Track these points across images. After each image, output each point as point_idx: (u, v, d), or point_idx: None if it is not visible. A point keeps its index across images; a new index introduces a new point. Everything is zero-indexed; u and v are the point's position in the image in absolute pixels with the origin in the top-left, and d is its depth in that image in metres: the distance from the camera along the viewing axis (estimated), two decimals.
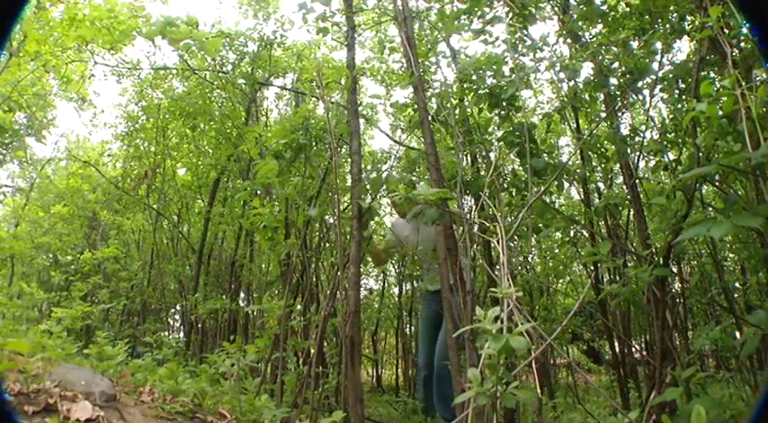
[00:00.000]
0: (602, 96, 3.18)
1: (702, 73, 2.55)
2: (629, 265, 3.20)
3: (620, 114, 3.25)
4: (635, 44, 2.92)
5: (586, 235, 4.18)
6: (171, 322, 8.68)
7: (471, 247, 2.52)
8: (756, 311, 2.61)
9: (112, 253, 6.92)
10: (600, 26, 3.16)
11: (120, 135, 7.91)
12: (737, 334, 3.23)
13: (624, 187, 3.48)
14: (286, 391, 3.06)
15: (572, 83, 3.07)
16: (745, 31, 2.32)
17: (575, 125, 4.29)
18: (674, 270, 3.52)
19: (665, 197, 2.29)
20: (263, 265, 7.27)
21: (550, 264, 5.94)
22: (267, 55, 5.98)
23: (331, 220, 4.37)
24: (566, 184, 3.23)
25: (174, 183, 7.59)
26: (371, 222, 3.22)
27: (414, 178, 4.09)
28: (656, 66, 2.75)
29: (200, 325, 6.80)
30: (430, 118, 3.09)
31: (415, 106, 3.17)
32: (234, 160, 6.19)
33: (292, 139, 2.90)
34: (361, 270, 2.92)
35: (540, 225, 2.91)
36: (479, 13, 3.23)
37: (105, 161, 8.81)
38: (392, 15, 3.57)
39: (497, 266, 2.13)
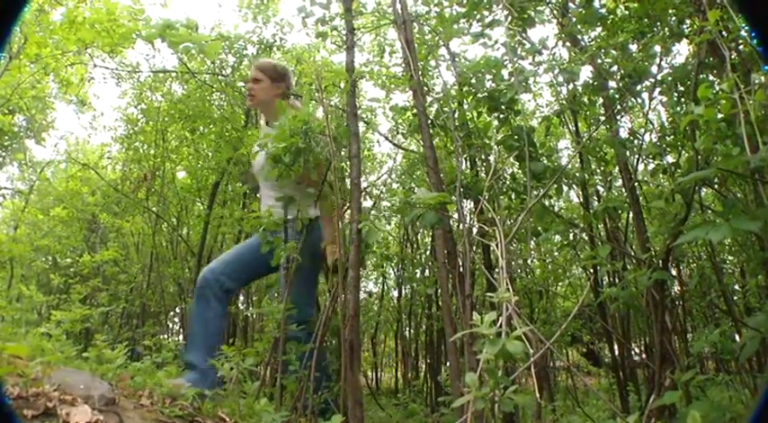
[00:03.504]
0: (601, 99, 3.18)
1: (701, 76, 2.55)
2: (628, 268, 3.20)
3: (619, 117, 3.26)
4: (634, 47, 2.92)
5: (586, 238, 4.19)
6: (170, 325, 8.67)
7: (470, 251, 2.52)
8: (756, 314, 2.62)
9: (112, 256, 6.91)
10: (599, 29, 3.17)
11: (120, 138, 7.91)
12: (737, 337, 3.24)
13: (623, 190, 3.49)
14: (285, 395, 3.06)
15: (571, 86, 3.08)
16: (743, 34, 2.32)
17: (574, 128, 4.29)
18: (674, 273, 3.52)
19: (664, 200, 2.30)
20: None
21: (549, 267, 5.94)
22: (266, 58, 5.98)
23: None
24: (565, 188, 3.23)
25: (174, 186, 7.59)
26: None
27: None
28: (654, 69, 2.76)
29: None
30: (429, 122, 3.09)
31: (415, 110, 3.18)
32: (233, 163, 6.19)
33: (291, 142, 2.90)
34: (361, 273, 2.93)
35: (540, 228, 2.92)
36: (478, 16, 3.23)
37: (105, 164, 8.81)
38: (391, 19, 3.58)
39: (496, 270, 2.13)
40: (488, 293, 1.92)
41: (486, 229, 2.51)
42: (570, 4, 3.38)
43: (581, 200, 4.49)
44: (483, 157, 3.71)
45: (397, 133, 5.52)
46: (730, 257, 5.42)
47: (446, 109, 3.24)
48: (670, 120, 2.80)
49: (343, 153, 3.64)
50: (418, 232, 7.56)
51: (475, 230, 2.78)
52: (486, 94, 3.10)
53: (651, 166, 2.89)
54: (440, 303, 5.58)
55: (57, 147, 10.77)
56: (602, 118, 3.16)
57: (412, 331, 8.23)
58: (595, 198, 4.90)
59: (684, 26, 2.81)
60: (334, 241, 3.11)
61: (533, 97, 5.67)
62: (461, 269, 2.60)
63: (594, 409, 4.70)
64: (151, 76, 6.88)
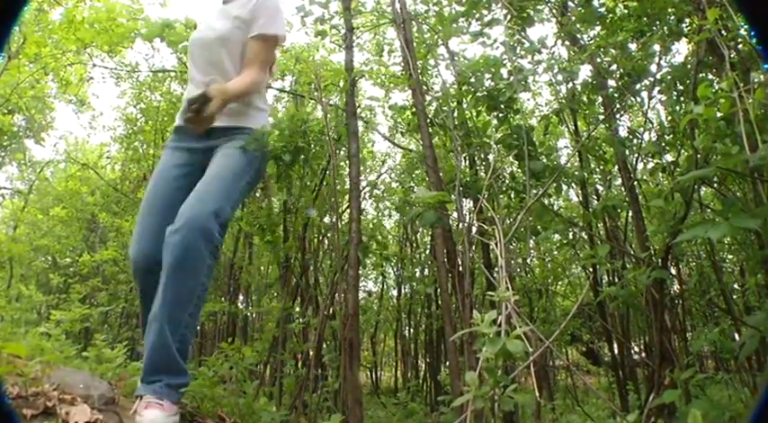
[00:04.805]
0: (600, 98, 3.18)
1: (700, 75, 2.55)
2: (627, 266, 3.20)
3: (618, 116, 3.26)
4: (633, 46, 2.92)
5: (585, 237, 4.19)
6: None
7: (469, 250, 2.52)
8: (755, 313, 2.62)
9: (111, 255, 6.91)
10: (598, 28, 3.17)
11: (119, 137, 7.92)
12: (736, 335, 3.24)
13: (622, 189, 3.49)
14: (285, 394, 3.06)
15: (570, 85, 3.08)
16: (743, 32, 2.32)
17: (573, 127, 4.29)
18: (673, 272, 3.52)
19: (664, 199, 2.29)
20: (262, 268, 7.26)
21: (549, 266, 5.94)
22: None
23: (327, 220, 4.35)
24: (564, 187, 3.23)
25: None
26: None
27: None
28: (654, 68, 2.76)
29: (198, 327, 6.78)
30: (428, 120, 3.09)
31: (414, 109, 3.18)
32: None
33: (291, 141, 2.90)
34: (360, 272, 2.93)
35: (539, 227, 2.92)
36: (477, 15, 3.23)
37: (104, 164, 8.82)
38: (390, 18, 3.58)
39: (496, 269, 2.13)
40: (488, 292, 1.92)
41: (486, 227, 2.51)
42: (569, 3, 3.38)
43: (580, 199, 4.50)
44: (482, 155, 3.71)
45: (397, 132, 5.52)
46: (730, 256, 5.42)
47: (445, 108, 3.24)
48: (669, 118, 2.80)
49: (342, 152, 3.64)
50: (417, 231, 7.56)
51: (474, 229, 2.78)
52: (485, 92, 3.10)
53: (650, 165, 2.89)
54: (439, 302, 5.58)
55: (56, 146, 10.78)
56: (602, 117, 3.16)
57: (411, 330, 8.24)
58: (595, 197, 4.90)
59: (683, 25, 2.81)
60: (222, 92, 2.22)
61: (532, 96, 5.66)
62: (461, 268, 2.60)
63: (594, 407, 4.71)
64: (150, 75, 6.88)
